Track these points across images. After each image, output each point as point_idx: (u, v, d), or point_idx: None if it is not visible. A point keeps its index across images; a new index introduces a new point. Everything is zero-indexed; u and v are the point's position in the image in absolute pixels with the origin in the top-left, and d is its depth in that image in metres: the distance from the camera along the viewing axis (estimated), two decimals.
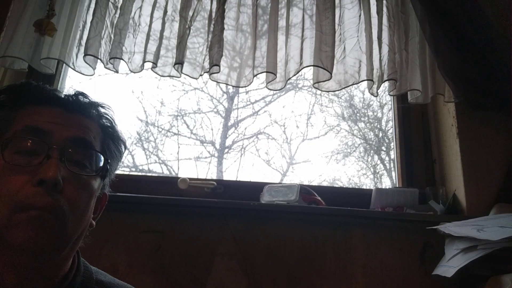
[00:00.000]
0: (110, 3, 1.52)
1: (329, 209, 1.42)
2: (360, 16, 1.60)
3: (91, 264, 0.76)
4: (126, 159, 1.90)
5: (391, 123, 1.93)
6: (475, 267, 1.15)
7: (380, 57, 1.57)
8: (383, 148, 2.13)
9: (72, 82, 1.78)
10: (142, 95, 1.97)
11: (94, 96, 0.75)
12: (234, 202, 1.40)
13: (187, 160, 1.94)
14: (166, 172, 1.97)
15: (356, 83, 1.54)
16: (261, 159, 1.99)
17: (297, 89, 2.11)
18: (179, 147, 1.96)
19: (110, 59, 1.45)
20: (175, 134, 1.98)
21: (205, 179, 1.64)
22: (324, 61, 1.47)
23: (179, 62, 1.46)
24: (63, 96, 0.72)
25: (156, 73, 1.51)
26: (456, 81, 1.49)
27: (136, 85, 1.97)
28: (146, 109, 1.98)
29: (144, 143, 2.00)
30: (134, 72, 1.49)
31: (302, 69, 1.50)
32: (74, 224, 0.63)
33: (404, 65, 1.55)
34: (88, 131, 0.70)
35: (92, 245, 0.77)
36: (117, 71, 1.51)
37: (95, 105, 0.74)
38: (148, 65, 1.49)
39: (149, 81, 1.95)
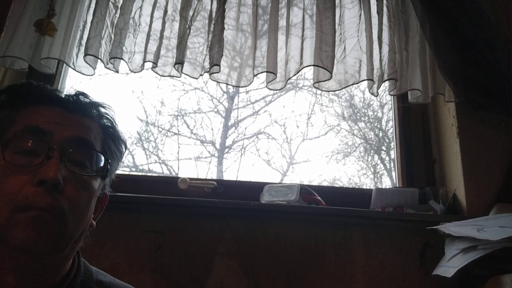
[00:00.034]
0: (110, 3, 1.52)
1: (329, 209, 1.42)
2: (360, 16, 1.60)
3: (91, 264, 0.76)
4: (126, 159, 1.90)
5: (391, 123, 1.93)
6: (475, 267, 1.14)
7: (380, 57, 1.57)
8: (383, 148, 2.13)
9: (72, 82, 1.78)
10: (142, 95, 1.98)
11: (94, 96, 0.75)
12: (234, 202, 1.40)
13: (187, 160, 1.94)
14: (166, 172, 1.97)
15: (356, 83, 1.54)
16: (261, 159, 1.99)
17: (297, 89, 2.11)
18: (179, 147, 1.97)
19: (111, 59, 1.46)
20: (175, 134, 1.98)
21: (205, 179, 1.64)
22: (325, 61, 1.47)
23: (179, 62, 1.46)
24: (63, 96, 0.72)
25: (156, 73, 1.51)
26: (456, 81, 1.49)
27: (136, 85, 1.97)
28: (146, 109, 1.98)
29: (144, 143, 2.00)
30: (134, 72, 1.49)
31: (302, 68, 1.50)
32: (74, 224, 0.63)
33: (404, 65, 1.55)
34: (89, 131, 0.70)
35: (92, 245, 0.77)
36: (117, 71, 1.51)
37: (95, 105, 0.74)
38: (148, 65, 1.49)
39: (149, 81, 1.95)
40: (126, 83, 1.96)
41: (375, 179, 2.07)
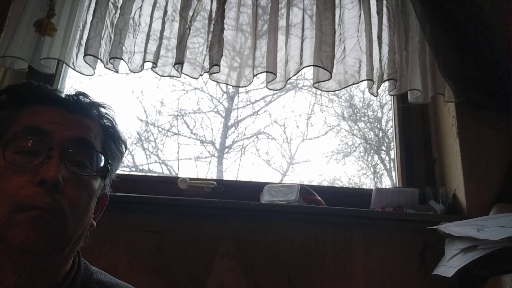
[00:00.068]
0: (110, 3, 1.52)
1: (329, 209, 1.42)
2: (360, 16, 1.60)
3: (91, 264, 0.76)
4: (126, 159, 1.90)
5: (391, 123, 1.93)
6: (475, 267, 1.14)
7: (380, 57, 1.57)
8: (383, 148, 2.13)
9: (72, 82, 1.78)
10: (142, 95, 1.98)
11: (94, 96, 0.75)
12: (234, 202, 1.40)
13: (187, 160, 1.94)
14: (166, 172, 1.97)
15: (356, 83, 1.54)
16: (261, 159, 1.99)
17: (297, 89, 2.11)
18: (179, 147, 1.96)
19: (110, 59, 1.46)
20: (175, 134, 1.98)
21: (205, 179, 1.64)
22: (324, 61, 1.47)
23: (179, 62, 1.46)
24: (64, 96, 0.72)
25: (156, 73, 1.51)
26: (456, 81, 1.49)
27: (136, 85, 1.97)
28: (146, 109, 1.98)
29: (144, 143, 2.00)
30: (134, 72, 1.49)
31: (302, 69, 1.50)
32: (74, 224, 0.63)
33: (404, 65, 1.55)
34: (89, 131, 0.70)
35: (92, 245, 0.77)
36: (117, 71, 1.51)
37: (96, 105, 0.74)
38: (148, 65, 1.49)
39: (149, 81, 1.95)
40: (126, 83, 1.96)
41: (375, 179, 2.07)
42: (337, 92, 1.89)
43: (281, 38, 1.56)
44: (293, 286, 1.33)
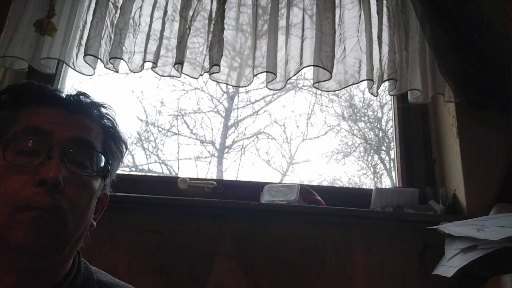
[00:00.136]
0: (110, 3, 1.52)
1: (329, 209, 1.42)
2: (360, 16, 1.60)
3: (91, 264, 0.76)
4: (126, 159, 1.90)
5: (391, 123, 1.93)
6: (475, 267, 1.14)
7: (380, 57, 1.57)
8: (383, 148, 2.13)
9: (72, 82, 1.78)
10: (142, 95, 1.98)
11: (94, 96, 0.75)
12: (234, 202, 1.40)
13: (187, 160, 1.94)
14: (166, 172, 1.97)
15: (356, 83, 1.54)
16: (261, 159, 1.99)
17: (297, 89, 2.11)
18: (179, 147, 1.97)
19: (110, 59, 1.46)
20: (175, 134, 1.98)
21: (205, 179, 1.64)
22: (324, 61, 1.47)
23: (179, 62, 1.46)
24: (64, 96, 0.71)
25: (156, 73, 1.51)
26: (456, 81, 1.49)
27: (136, 85, 1.97)
28: (146, 109, 1.98)
29: (144, 143, 2.00)
30: (134, 72, 1.49)
31: (302, 69, 1.50)
32: (74, 225, 0.63)
33: (404, 65, 1.55)
34: (89, 131, 0.70)
35: (92, 245, 0.77)
36: (117, 71, 1.51)
37: (96, 105, 0.74)
38: (148, 65, 1.49)
39: (149, 81, 1.95)
40: (126, 83, 1.96)
41: (375, 179, 2.07)
42: (337, 92, 1.89)
43: (281, 38, 1.56)
44: (293, 286, 1.33)
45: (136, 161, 1.96)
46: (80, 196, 0.64)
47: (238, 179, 1.84)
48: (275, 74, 1.48)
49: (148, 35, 1.50)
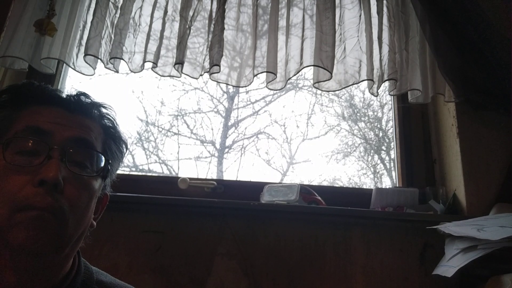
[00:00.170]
0: (110, 3, 1.52)
1: (329, 209, 1.42)
2: (360, 16, 1.60)
3: (91, 264, 0.76)
4: (126, 159, 1.90)
5: (391, 123, 1.93)
6: (475, 267, 1.14)
7: (380, 57, 1.57)
8: (383, 148, 2.13)
9: (72, 82, 1.78)
10: (142, 95, 1.98)
11: (94, 96, 0.75)
12: (234, 202, 1.40)
13: (187, 160, 1.94)
14: (166, 172, 1.97)
15: (356, 83, 1.54)
16: (261, 159, 1.99)
17: (297, 89, 2.11)
18: (179, 147, 1.97)
19: (111, 59, 1.46)
20: (175, 134, 1.98)
21: (205, 179, 1.64)
22: (325, 61, 1.47)
23: (179, 62, 1.46)
24: (64, 96, 0.71)
25: (156, 73, 1.51)
26: (456, 81, 1.49)
27: (136, 85, 1.97)
28: (146, 109, 1.98)
29: (144, 143, 2.00)
30: (135, 72, 1.50)
31: (302, 69, 1.50)
32: (74, 225, 0.63)
33: (404, 65, 1.55)
34: (89, 131, 0.70)
35: (92, 245, 0.77)
36: (117, 71, 1.51)
37: (96, 106, 0.74)
38: (148, 65, 1.49)
39: (149, 81, 1.95)
40: (126, 83, 1.96)
41: (375, 179, 2.07)
42: (337, 92, 1.89)
43: (281, 38, 1.56)
44: (293, 286, 1.33)
45: (136, 161, 1.97)
46: (80, 196, 0.64)
47: (238, 179, 1.84)
48: (275, 74, 1.48)
49: (148, 35, 1.50)
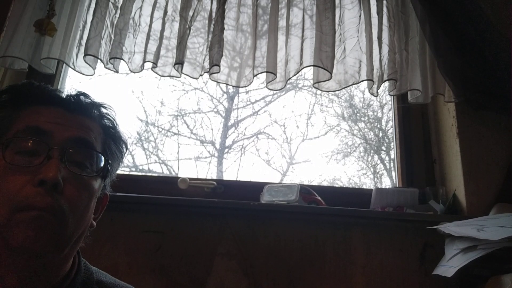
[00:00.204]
0: (110, 3, 1.52)
1: (329, 209, 1.42)
2: (360, 16, 1.60)
3: (91, 264, 0.76)
4: (126, 159, 1.90)
5: (391, 123, 1.93)
6: (475, 267, 1.15)
7: (380, 57, 1.57)
8: (383, 148, 2.13)
9: (72, 82, 1.78)
10: (142, 95, 1.98)
11: (94, 96, 0.75)
12: (234, 202, 1.40)
13: (187, 160, 1.94)
14: (166, 172, 1.97)
15: (356, 83, 1.54)
16: (261, 159, 1.99)
17: (297, 89, 2.11)
18: (179, 147, 1.97)
19: (110, 59, 1.46)
20: (175, 134, 1.98)
21: (205, 179, 1.64)
22: (324, 61, 1.47)
23: (179, 62, 1.46)
24: (64, 96, 0.71)
25: (156, 73, 1.51)
26: (456, 81, 1.49)
27: (136, 85, 1.97)
28: (146, 109, 1.98)
29: (144, 143, 2.00)
30: (134, 72, 1.49)
31: (302, 69, 1.50)
32: (74, 225, 0.63)
33: (404, 65, 1.55)
34: (89, 131, 0.70)
35: (92, 245, 0.77)
36: (117, 71, 1.51)
37: (96, 106, 0.74)
38: (148, 65, 1.49)
39: (149, 81, 1.95)
40: (126, 83, 1.96)
41: (375, 179, 2.07)
42: (337, 92, 1.89)
43: (281, 38, 1.56)
44: (293, 286, 1.33)
45: (136, 161, 1.97)
46: (80, 196, 0.64)
47: (238, 179, 1.84)
48: (275, 74, 1.48)
49: (148, 35, 1.50)
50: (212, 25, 1.52)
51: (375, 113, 2.18)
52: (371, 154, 2.12)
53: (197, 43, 1.56)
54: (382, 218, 1.43)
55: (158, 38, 1.50)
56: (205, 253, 1.34)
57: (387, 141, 2.12)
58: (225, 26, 1.52)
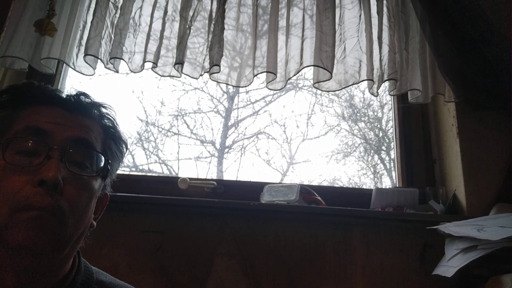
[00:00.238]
0: (110, 3, 1.52)
1: (329, 209, 1.43)
2: (360, 16, 1.60)
3: (91, 264, 0.76)
4: (126, 159, 1.90)
5: (391, 123, 1.93)
6: (475, 267, 1.15)
7: (380, 57, 1.57)
8: (383, 148, 2.13)
9: (72, 82, 1.78)
10: (142, 95, 1.98)
11: (94, 96, 0.75)
12: (234, 202, 1.40)
13: (187, 160, 1.94)
14: (166, 172, 1.97)
15: (356, 83, 1.54)
16: (261, 159, 1.99)
17: (297, 89, 2.11)
18: (179, 147, 1.97)
19: (111, 59, 1.46)
20: (175, 134, 1.98)
21: (205, 179, 1.64)
22: (325, 61, 1.47)
23: (179, 62, 1.46)
24: (64, 96, 0.71)
25: (156, 73, 1.51)
26: (456, 81, 1.49)
27: (136, 85, 1.97)
28: (146, 109, 1.98)
29: (144, 143, 2.00)
30: (135, 72, 1.50)
31: (302, 69, 1.50)
32: (74, 225, 0.63)
33: (404, 65, 1.55)
34: (89, 131, 0.70)
35: (92, 245, 0.77)
36: (117, 71, 1.51)
37: (96, 106, 0.74)
38: (148, 65, 1.49)
39: (149, 81, 1.95)
40: (126, 83, 1.96)
41: (375, 179, 2.07)
42: (337, 92, 1.89)
43: (281, 38, 1.56)
44: (293, 286, 1.33)
45: (136, 161, 1.97)
46: (79, 196, 0.64)
47: (238, 179, 1.84)
48: (275, 74, 1.48)
49: (148, 35, 1.50)
50: (212, 25, 1.52)
51: (375, 113, 2.18)
52: (371, 154, 2.12)
53: (197, 43, 1.56)
54: (382, 218, 1.43)
55: (158, 38, 1.50)
56: (205, 253, 1.34)
57: (387, 141, 2.12)
58: (225, 26, 1.52)
